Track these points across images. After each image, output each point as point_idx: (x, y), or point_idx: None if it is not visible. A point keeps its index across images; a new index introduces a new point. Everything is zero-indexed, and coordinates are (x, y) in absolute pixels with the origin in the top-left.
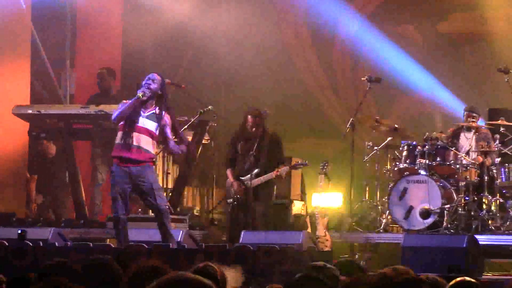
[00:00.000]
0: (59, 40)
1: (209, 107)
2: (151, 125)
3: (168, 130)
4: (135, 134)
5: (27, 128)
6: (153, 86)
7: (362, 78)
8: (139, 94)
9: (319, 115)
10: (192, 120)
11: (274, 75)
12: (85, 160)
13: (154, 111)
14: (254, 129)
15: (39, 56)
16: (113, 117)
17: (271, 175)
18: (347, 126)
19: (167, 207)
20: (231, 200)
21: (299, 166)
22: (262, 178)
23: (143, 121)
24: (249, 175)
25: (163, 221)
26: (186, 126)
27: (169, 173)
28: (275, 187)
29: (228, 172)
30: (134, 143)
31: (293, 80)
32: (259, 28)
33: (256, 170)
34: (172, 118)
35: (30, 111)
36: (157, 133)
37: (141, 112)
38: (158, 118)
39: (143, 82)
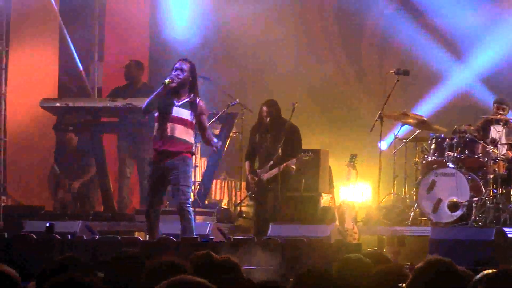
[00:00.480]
0: (87, 32)
1: (237, 100)
2: (186, 114)
3: (204, 118)
4: (169, 125)
5: (55, 121)
6: (182, 75)
7: (390, 71)
8: (166, 81)
9: (347, 108)
10: (220, 113)
11: (301, 68)
12: (112, 153)
13: (188, 99)
14: (268, 118)
15: (67, 49)
16: (142, 108)
17: (281, 167)
18: (375, 118)
19: (188, 205)
20: (250, 193)
21: (304, 157)
22: (273, 171)
23: (177, 110)
24: (265, 167)
25: (181, 215)
26: (214, 119)
27: (197, 166)
28: (288, 179)
29: (246, 164)
30: (169, 134)
31: (320, 72)
32: (285, 19)
33: (270, 163)
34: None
35: (57, 104)
36: (192, 121)
37: (174, 101)
38: (192, 106)
39: (173, 71)
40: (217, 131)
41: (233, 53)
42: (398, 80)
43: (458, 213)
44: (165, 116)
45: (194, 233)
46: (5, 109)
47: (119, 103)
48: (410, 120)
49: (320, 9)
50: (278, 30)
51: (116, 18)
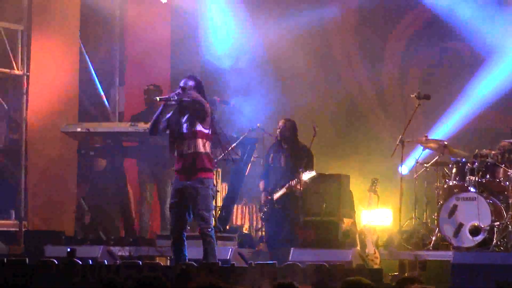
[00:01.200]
0: (107, 57)
1: (258, 124)
2: (197, 126)
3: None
4: (184, 142)
5: (75, 145)
6: (185, 95)
7: (412, 95)
8: (157, 98)
9: (368, 132)
10: (241, 137)
11: (323, 91)
12: (133, 177)
13: (194, 113)
14: (283, 138)
15: (88, 73)
16: (148, 128)
17: (285, 188)
18: (397, 143)
19: (209, 229)
20: (262, 214)
21: (310, 179)
22: (281, 192)
23: (186, 125)
24: (278, 188)
25: (203, 241)
26: (235, 144)
27: (218, 191)
28: (298, 200)
29: (260, 184)
30: (185, 152)
31: (342, 97)
32: (308, 43)
33: (283, 183)
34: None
35: (78, 129)
36: (206, 131)
37: (181, 118)
38: (199, 117)
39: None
40: (237, 156)
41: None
42: (419, 104)
43: (480, 237)
44: (178, 134)
45: (216, 258)
46: (26, 134)
47: (140, 127)
48: (431, 145)
49: (342, 31)
50: (301, 53)
51: (137, 42)
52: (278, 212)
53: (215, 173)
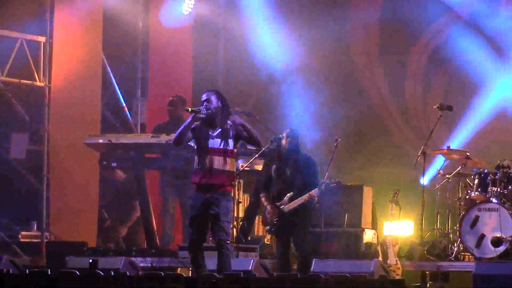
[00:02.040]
0: (130, 69)
1: (280, 135)
2: (223, 143)
3: (244, 127)
4: (208, 157)
5: (97, 156)
6: (211, 106)
7: (434, 106)
8: (189, 108)
9: (390, 143)
10: (263, 149)
11: (345, 103)
12: (155, 189)
13: (221, 128)
14: (287, 149)
15: (110, 85)
16: (173, 139)
17: (303, 198)
18: (418, 154)
19: (228, 242)
20: (268, 227)
21: (331, 185)
22: (294, 203)
23: (214, 141)
24: (283, 200)
25: (220, 252)
26: (257, 155)
27: (240, 202)
28: (311, 211)
29: (262, 196)
30: (208, 166)
31: (364, 108)
32: (330, 54)
33: (289, 194)
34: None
35: (101, 141)
36: (233, 148)
37: (209, 132)
38: (227, 133)
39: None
40: (259, 167)
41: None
42: (441, 115)
43: (502, 248)
44: (203, 148)
45: (231, 269)
46: (47, 145)
47: (162, 139)
48: (453, 156)
49: (365, 43)
50: (323, 64)
51: (159, 54)
52: (290, 224)
53: (236, 184)
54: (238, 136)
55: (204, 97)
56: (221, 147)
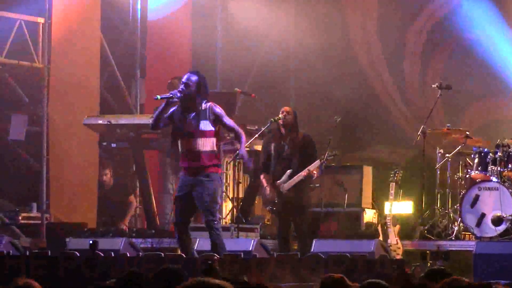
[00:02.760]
0: (128, 49)
1: (280, 115)
2: (203, 124)
3: (226, 120)
4: (189, 140)
5: (97, 138)
6: (188, 89)
7: (433, 85)
8: (158, 96)
9: (389, 123)
10: (263, 129)
11: (344, 83)
12: (154, 169)
13: (196, 110)
14: (285, 127)
15: (109, 65)
16: (150, 124)
17: (301, 174)
18: (418, 133)
19: (216, 223)
20: (270, 207)
21: (329, 157)
22: (293, 180)
23: (189, 124)
24: (282, 178)
25: (210, 235)
26: (256, 136)
27: (240, 183)
28: (310, 191)
29: (262, 177)
30: (190, 149)
31: (363, 89)
32: (330, 37)
33: (288, 171)
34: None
35: (100, 122)
36: (212, 129)
37: (185, 115)
38: (204, 114)
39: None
40: (259, 147)
41: (276, 68)
42: (440, 95)
43: (502, 227)
44: (180, 131)
45: (225, 249)
46: (47, 127)
47: None
48: (453, 135)
49: (365, 25)
50: (323, 47)
51: (158, 34)
52: (289, 202)
53: (236, 165)
54: (217, 120)
55: (183, 79)
56: (198, 129)
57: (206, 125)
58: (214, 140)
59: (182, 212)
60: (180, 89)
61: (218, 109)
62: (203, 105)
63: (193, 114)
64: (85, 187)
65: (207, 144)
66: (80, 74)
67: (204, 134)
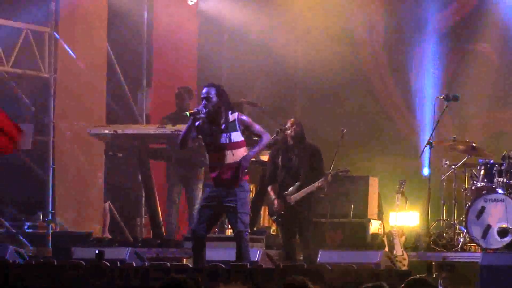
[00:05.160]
0: (135, 59)
1: (287, 126)
2: (233, 136)
3: (254, 127)
4: (218, 153)
5: (103, 147)
6: (210, 103)
7: (439, 97)
8: (187, 112)
9: (396, 133)
10: (269, 140)
11: (351, 94)
12: (160, 179)
13: (225, 123)
14: (292, 139)
15: (115, 75)
16: (178, 142)
17: (312, 187)
18: (425, 144)
19: (246, 234)
20: (275, 217)
21: (341, 173)
22: (303, 192)
23: (221, 136)
24: (290, 189)
25: (239, 244)
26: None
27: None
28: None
29: (269, 189)
30: (220, 162)
31: (369, 99)
32: (337, 49)
33: (296, 184)
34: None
35: (106, 131)
36: (240, 140)
37: (213, 129)
38: (233, 125)
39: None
40: (265, 158)
41: (282, 78)
42: (447, 106)
43: (508, 238)
44: (209, 145)
45: (250, 260)
46: (53, 136)
47: (168, 129)
48: (459, 146)
49: (372, 38)
50: (330, 59)
51: (164, 44)
52: (296, 214)
53: None
54: (246, 129)
55: (203, 93)
56: (227, 141)
57: (237, 136)
58: (244, 149)
59: (205, 222)
60: (203, 104)
61: (245, 118)
62: (231, 116)
63: (223, 126)
64: (91, 196)
65: (239, 155)
66: (86, 84)
67: (236, 145)
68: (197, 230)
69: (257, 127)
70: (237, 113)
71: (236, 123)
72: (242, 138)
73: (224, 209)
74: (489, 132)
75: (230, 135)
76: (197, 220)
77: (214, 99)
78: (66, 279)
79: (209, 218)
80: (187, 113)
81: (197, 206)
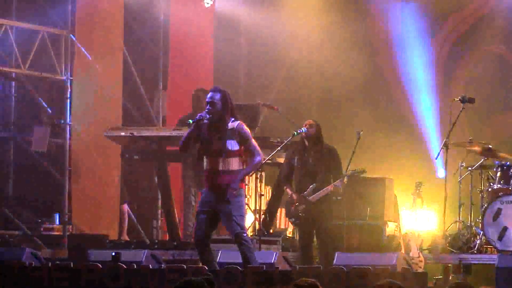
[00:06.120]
0: (151, 61)
1: (303, 128)
2: (230, 144)
3: (249, 144)
4: (215, 159)
5: (119, 149)
6: (214, 109)
7: (456, 99)
8: (190, 120)
9: (413, 135)
10: (285, 142)
11: (367, 95)
12: (176, 181)
13: (223, 129)
14: (309, 140)
15: (132, 77)
16: (179, 146)
17: (328, 189)
18: (441, 146)
19: (245, 234)
20: (293, 219)
21: (356, 174)
22: (319, 194)
23: (220, 143)
24: (307, 191)
25: (241, 248)
26: (279, 148)
27: (262, 195)
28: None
29: (286, 188)
30: (215, 168)
31: (385, 101)
32: (354, 52)
33: (312, 185)
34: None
35: (122, 134)
36: (236, 149)
37: (212, 135)
38: (232, 134)
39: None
40: (281, 160)
41: (299, 80)
42: (463, 108)
43: None
44: (206, 150)
45: (256, 260)
46: (69, 138)
47: (184, 131)
48: (476, 148)
49: (387, 38)
50: (347, 61)
51: (181, 46)
52: (314, 216)
53: (258, 177)
54: (242, 141)
55: (208, 98)
56: (228, 148)
57: (232, 145)
58: (240, 158)
59: (203, 227)
60: (207, 109)
61: (245, 131)
62: (231, 124)
63: (220, 133)
64: (107, 198)
65: (234, 163)
66: (102, 86)
67: (231, 153)
68: (196, 236)
69: (253, 145)
70: (238, 122)
71: (235, 132)
72: (238, 148)
73: (219, 214)
74: (506, 134)
75: (227, 142)
76: (195, 226)
77: (219, 105)
78: (82, 281)
79: (206, 223)
80: (190, 120)
81: None
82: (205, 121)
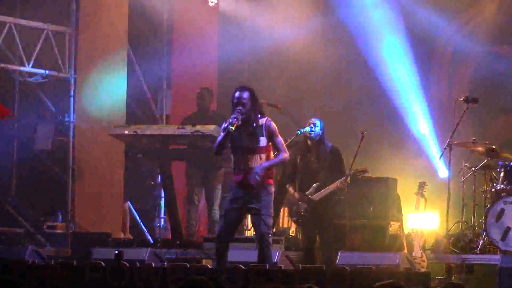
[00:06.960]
0: (155, 60)
1: (306, 128)
2: (255, 141)
3: (276, 140)
4: (244, 156)
5: (123, 147)
6: (244, 108)
7: (459, 99)
8: (231, 128)
9: (416, 135)
10: (289, 141)
11: (369, 96)
12: (180, 180)
13: (252, 126)
14: (311, 139)
15: (135, 76)
16: (214, 149)
17: (331, 187)
18: (444, 146)
19: (270, 236)
20: (295, 218)
21: (359, 174)
22: (321, 193)
23: (249, 140)
24: (309, 190)
25: (261, 246)
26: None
27: None
28: (335, 200)
29: (289, 187)
30: (245, 166)
31: (387, 99)
32: (357, 53)
33: (315, 184)
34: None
35: (126, 132)
36: (267, 145)
37: (244, 132)
38: (261, 130)
39: (233, 106)
40: None
41: (303, 80)
42: (467, 108)
43: None
44: (238, 149)
45: (272, 261)
46: (73, 136)
47: (188, 130)
48: (479, 148)
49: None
50: (348, 62)
51: (185, 45)
52: (317, 215)
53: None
54: (270, 136)
55: (235, 97)
56: (253, 145)
57: (263, 141)
58: (269, 154)
59: (231, 225)
60: (238, 110)
61: (273, 127)
62: (260, 121)
63: (250, 130)
64: (111, 196)
65: (264, 159)
66: (106, 84)
67: (262, 150)
68: (222, 235)
69: (280, 141)
70: (266, 118)
71: (264, 128)
72: (269, 144)
73: (248, 211)
74: (509, 135)
75: (258, 139)
76: (222, 224)
77: (248, 104)
78: (85, 279)
79: (234, 221)
80: (232, 128)
81: (216, 207)
82: (239, 122)
